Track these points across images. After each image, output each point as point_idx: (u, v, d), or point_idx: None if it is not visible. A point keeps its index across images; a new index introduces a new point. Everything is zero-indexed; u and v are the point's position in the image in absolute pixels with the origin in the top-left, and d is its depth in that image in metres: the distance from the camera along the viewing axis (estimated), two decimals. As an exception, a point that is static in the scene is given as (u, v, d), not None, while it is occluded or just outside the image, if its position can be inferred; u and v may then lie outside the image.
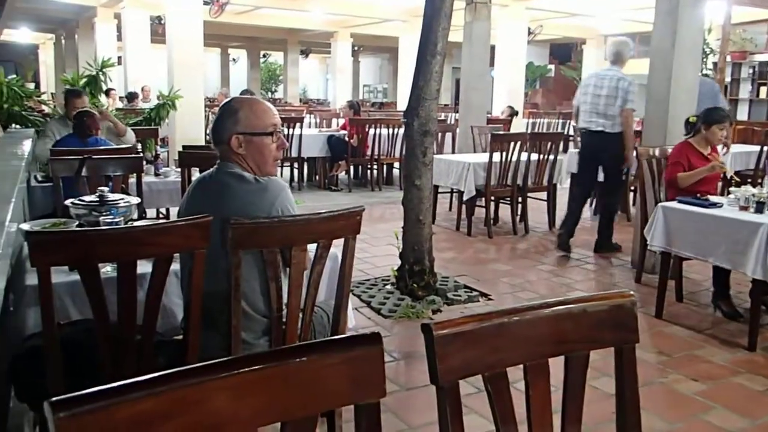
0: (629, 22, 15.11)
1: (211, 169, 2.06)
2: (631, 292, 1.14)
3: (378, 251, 5.19)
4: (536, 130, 11.19)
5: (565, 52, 22.24)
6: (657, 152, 4.41)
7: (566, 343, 1.09)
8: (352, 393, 0.90)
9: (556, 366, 1.08)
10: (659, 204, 3.86)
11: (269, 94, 27.75)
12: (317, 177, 8.91)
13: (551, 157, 5.97)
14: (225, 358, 0.82)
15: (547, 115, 13.36)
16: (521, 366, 1.05)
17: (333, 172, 8.65)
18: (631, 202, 6.84)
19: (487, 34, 8.28)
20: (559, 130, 11.11)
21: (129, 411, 0.74)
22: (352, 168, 8.93)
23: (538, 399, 1.06)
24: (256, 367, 0.82)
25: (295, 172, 8.70)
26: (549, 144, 5.93)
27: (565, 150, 8.35)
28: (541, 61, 22.64)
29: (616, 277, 4.76)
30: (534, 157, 5.94)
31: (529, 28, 13.51)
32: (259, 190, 1.96)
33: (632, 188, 6.61)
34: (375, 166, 8.69)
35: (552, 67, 23.20)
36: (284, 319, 1.94)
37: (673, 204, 3.77)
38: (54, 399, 0.72)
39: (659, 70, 4.67)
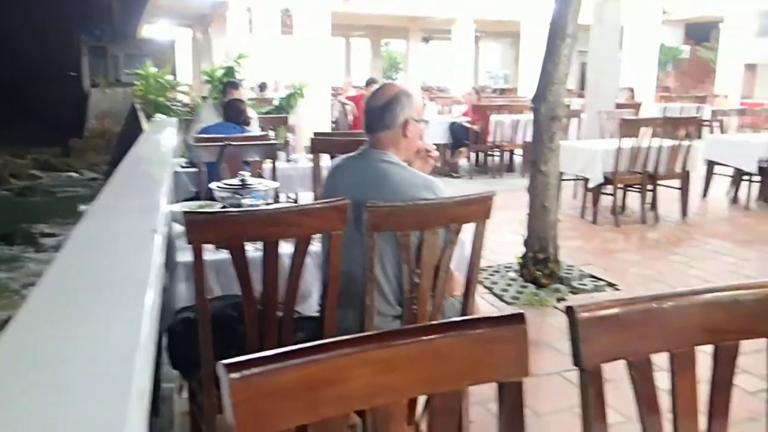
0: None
1: (356, 155, 2.10)
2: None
3: (500, 238, 5.12)
4: (667, 115, 10.56)
5: (702, 32, 20.78)
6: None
7: (716, 333, 1.05)
8: (497, 371, 0.92)
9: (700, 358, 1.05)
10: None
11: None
12: (438, 163, 8.92)
13: (685, 143, 5.64)
14: (379, 331, 0.87)
15: (680, 98, 12.59)
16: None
17: (454, 158, 8.64)
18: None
19: (618, 15, 7.93)
20: (694, 115, 10.42)
21: (293, 375, 0.80)
22: (473, 155, 8.87)
23: (684, 389, 1.03)
24: (407, 340, 0.87)
25: (416, 158, 8.76)
26: (684, 129, 5.60)
27: (700, 135, 7.83)
28: (675, 41, 21.27)
29: (762, 271, 4.43)
30: (667, 143, 5.63)
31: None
32: (415, 176, 2.04)
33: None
34: (496, 153, 8.59)
35: (686, 48, 21.76)
36: (415, 302, 1.99)
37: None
38: (227, 361, 0.78)
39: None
